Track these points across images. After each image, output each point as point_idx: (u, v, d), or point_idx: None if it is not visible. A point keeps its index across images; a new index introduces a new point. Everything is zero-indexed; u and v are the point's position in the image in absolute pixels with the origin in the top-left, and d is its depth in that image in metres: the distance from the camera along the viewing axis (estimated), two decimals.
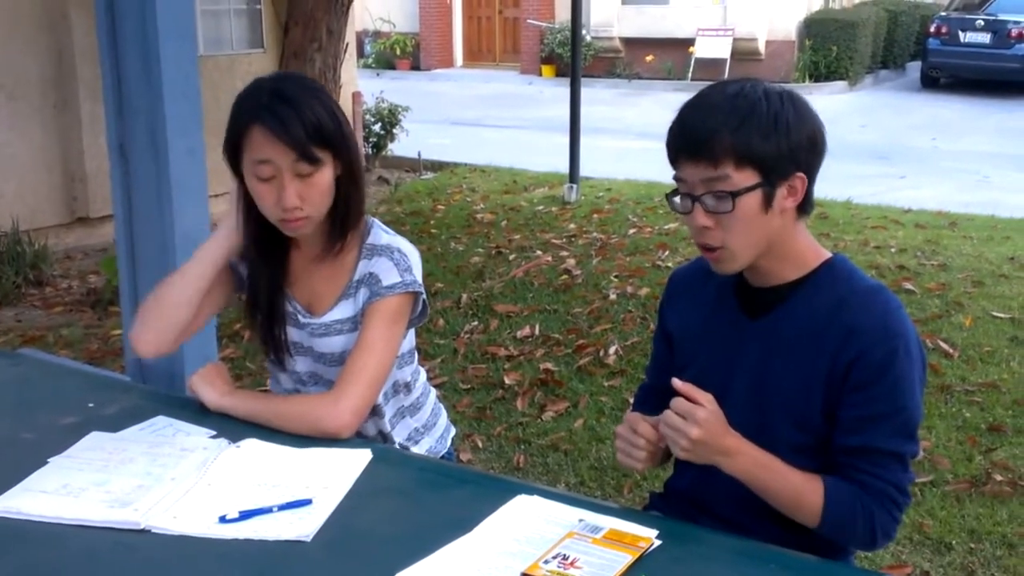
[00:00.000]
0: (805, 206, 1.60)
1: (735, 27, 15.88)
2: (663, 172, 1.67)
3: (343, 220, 1.87)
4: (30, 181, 6.79)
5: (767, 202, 1.54)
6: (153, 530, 1.47)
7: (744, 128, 1.51)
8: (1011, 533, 3.10)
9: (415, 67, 19.01)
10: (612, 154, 9.96)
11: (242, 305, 2.03)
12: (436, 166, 9.74)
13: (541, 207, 7.73)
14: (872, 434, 1.54)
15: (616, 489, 3.42)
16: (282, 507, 1.52)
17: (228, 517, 1.49)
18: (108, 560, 1.42)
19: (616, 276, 5.73)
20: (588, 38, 16.08)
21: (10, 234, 6.11)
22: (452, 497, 1.63)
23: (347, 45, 7.54)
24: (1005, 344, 4.64)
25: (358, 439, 1.82)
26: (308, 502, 1.53)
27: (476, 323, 5.03)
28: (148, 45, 2.77)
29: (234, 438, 1.74)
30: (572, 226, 7.06)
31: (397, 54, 19.00)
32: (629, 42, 16.87)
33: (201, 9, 7.29)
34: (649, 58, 16.61)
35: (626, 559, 1.36)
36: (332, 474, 1.63)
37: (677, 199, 1.60)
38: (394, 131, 9.52)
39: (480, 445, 3.76)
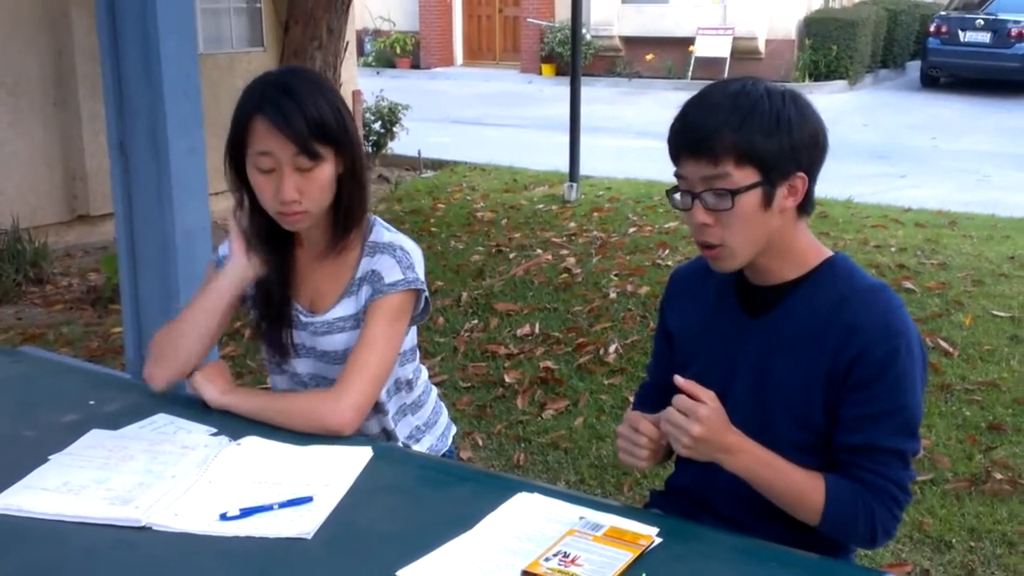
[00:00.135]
0: (806, 206, 1.60)
1: (735, 26, 15.88)
2: (663, 171, 1.68)
3: (346, 217, 1.87)
4: (30, 179, 6.79)
5: (767, 201, 1.54)
6: (154, 527, 1.47)
7: (745, 126, 1.51)
8: (1011, 531, 3.10)
9: (415, 66, 19.00)
10: (612, 153, 9.96)
11: (242, 307, 2.03)
12: (436, 164, 9.74)
13: (541, 206, 7.73)
14: (873, 432, 1.54)
15: (616, 487, 3.42)
16: (283, 504, 1.52)
17: (229, 514, 1.49)
18: (109, 557, 1.42)
19: (616, 275, 5.73)
20: (588, 37, 16.08)
21: (10, 232, 6.11)
22: (453, 495, 1.63)
23: (347, 43, 7.53)
24: (1005, 343, 4.64)
25: (359, 437, 1.82)
26: (309, 500, 1.54)
27: (476, 321, 5.03)
28: (148, 43, 2.77)
29: (235, 436, 1.74)
30: (572, 225, 7.06)
31: (397, 53, 19.00)
32: (629, 41, 16.87)
33: (201, 7, 7.29)
34: (649, 57, 16.60)
35: (627, 557, 1.36)
36: (333, 472, 1.63)
37: (677, 196, 1.60)
38: (394, 129, 9.52)
39: (480, 443, 3.76)
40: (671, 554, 1.40)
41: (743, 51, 15.80)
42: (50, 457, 1.67)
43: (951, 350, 4.52)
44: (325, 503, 1.53)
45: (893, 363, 1.53)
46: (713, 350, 1.70)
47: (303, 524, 1.47)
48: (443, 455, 2.12)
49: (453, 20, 19.46)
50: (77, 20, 6.75)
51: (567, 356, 4.57)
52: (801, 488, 1.56)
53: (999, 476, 3.41)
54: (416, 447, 2.05)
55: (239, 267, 1.90)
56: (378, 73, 17.18)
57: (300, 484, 1.58)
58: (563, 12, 16.44)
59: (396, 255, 1.89)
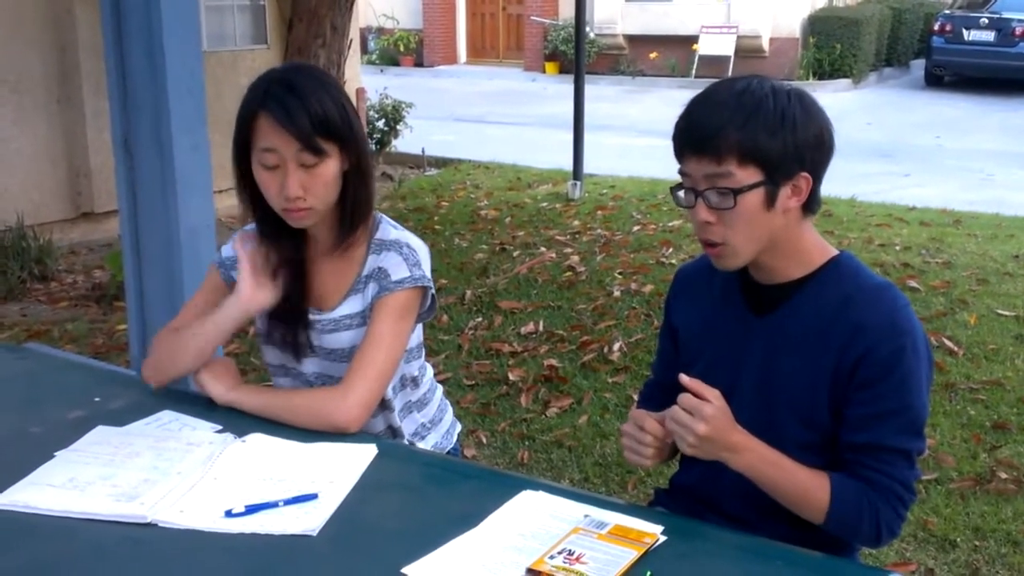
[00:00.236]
0: (811, 205, 1.60)
1: (739, 24, 15.86)
2: (667, 169, 1.67)
3: (352, 214, 1.87)
4: (35, 176, 6.79)
5: (770, 200, 1.54)
6: (159, 524, 1.48)
7: (750, 125, 1.51)
8: (1015, 530, 3.10)
9: (419, 64, 19.01)
10: (616, 151, 9.96)
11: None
12: (440, 162, 9.75)
13: (545, 204, 7.73)
14: (879, 431, 1.54)
15: (620, 485, 3.42)
16: (288, 501, 1.52)
17: (234, 511, 1.49)
18: (115, 553, 1.43)
19: (620, 273, 5.73)
20: (592, 35, 16.08)
21: (15, 229, 6.12)
22: (458, 492, 1.64)
23: (351, 41, 7.53)
24: (1010, 342, 4.64)
25: (364, 434, 1.82)
26: (314, 496, 1.54)
27: (480, 319, 5.03)
28: (153, 40, 2.78)
29: (240, 432, 1.74)
30: (576, 223, 7.06)
31: (401, 51, 19.00)
32: (633, 39, 16.86)
33: (205, 5, 7.29)
34: (653, 55, 16.59)
35: (631, 555, 1.36)
36: (338, 469, 1.63)
37: (681, 193, 1.60)
38: (398, 127, 9.52)
39: (484, 441, 3.76)
40: (675, 552, 1.40)
41: (747, 49, 15.79)
42: (56, 453, 1.67)
43: (956, 349, 4.52)
44: (330, 500, 1.53)
45: (899, 362, 1.53)
46: (718, 348, 1.70)
47: (308, 521, 1.48)
48: (448, 453, 2.12)
49: (457, 18, 19.46)
50: (81, 17, 6.75)
51: (571, 354, 4.57)
52: (806, 487, 1.56)
53: (1004, 475, 3.41)
54: (421, 444, 2.05)
55: (245, 300, 1.85)
56: (382, 71, 17.19)
57: (305, 481, 1.59)
58: (567, 10, 16.43)
59: (403, 252, 1.89)
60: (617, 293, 5.36)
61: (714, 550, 1.46)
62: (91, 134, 6.91)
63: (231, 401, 1.84)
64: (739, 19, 15.89)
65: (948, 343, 4.56)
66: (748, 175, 1.52)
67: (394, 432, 2.00)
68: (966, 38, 14.97)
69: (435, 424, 2.11)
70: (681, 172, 1.59)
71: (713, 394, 1.52)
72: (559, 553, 1.36)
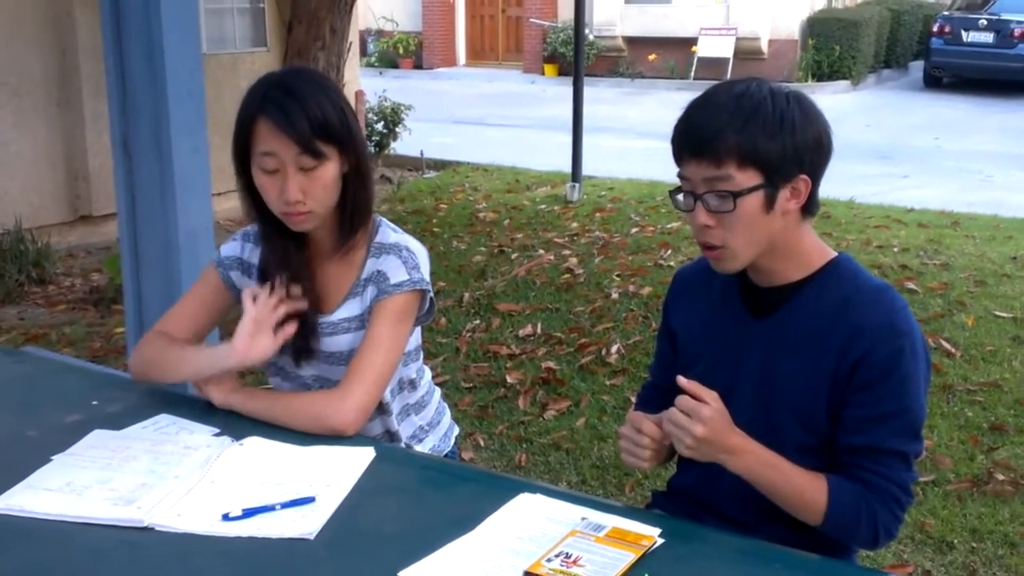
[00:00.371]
0: (810, 207, 1.60)
1: (738, 26, 15.87)
2: (665, 171, 1.68)
3: (352, 217, 1.87)
4: (33, 179, 6.79)
5: (769, 203, 1.54)
6: (156, 528, 1.47)
7: (749, 128, 1.51)
8: (1013, 532, 3.10)
9: (418, 66, 19.01)
10: (614, 153, 9.96)
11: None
12: (439, 165, 9.74)
13: (543, 206, 7.73)
14: (876, 434, 1.54)
15: (618, 488, 3.42)
16: (285, 505, 1.52)
17: (231, 515, 1.49)
18: (112, 558, 1.42)
19: (618, 275, 5.73)
20: (591, 37, 16.09)
21: (13, 232, 6.11)
22: (455, 495, 1.64)
23: (350, 44, 7.54)
24: (1007, 344, 4.64)
25: (362, 437, 1.81)
26: (311, 500, 1.54)
27: (478, 322, 5.03)
28: (152, 43, 2.78)
29: (237, 436, 1.74)
30: (574, 225, 7.06)
31: (400, 53, 19.00)
32: (632, 41, 16.86)
33: (205, 7, 7.29)
34: (652, 57, 16.59)
35: (629, 558, 1.36)
36: (335, 472, 1.63)
37: (680, 196, 1.60)
38: (397, 130, 9.52)
39: (482, 444, 3.76)
40: (673, 555, 1.40)
41: (746, 51, 15.79)
42: (53, 457, 1.67)
43: (953, 351, 4.52)
44: (328, 503, 1.53)
45: (898, 364, 1.53)
46: (717, 351, 1.70)
47: (306, 524, 1.47)
48: (446, 456, 2.12)
49: (456, 20, 19.47)
50: (81, 19, 6.75)
51: (569, 357, 4.57)
52: (803, 489, 1.56)
53: (1001, 477, 3.41)
54: (419, 447, 2.05)
55: (240, 353, 1.80)
56: (381, 73, 17.18)
57: (303, 484, 1.59)
58: (566, 12, 16.45)
59: (402, 255, 1.89)
60: (615, 295, 5.36)
61: (712, 552, 1.46)
62: (90, 137, 6.91)
63: (229, 404, 1.84)
64: (738, 21, 15.90)
65: (946, 345, 4.57)
66: (747, 178, 1.52)
67: (392, 435, 2.00)
68: (965, 40, 14.98)
69: (433, 427, 2.11)
70: (680, 175, 1.59)
71: (711, 396, 1.52)
72: (557, 556, 1.36)
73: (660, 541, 1.42)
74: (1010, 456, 3.58)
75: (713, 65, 15.60)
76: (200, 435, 1.76)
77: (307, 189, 1.78)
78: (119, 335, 4.75)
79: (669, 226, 6.85)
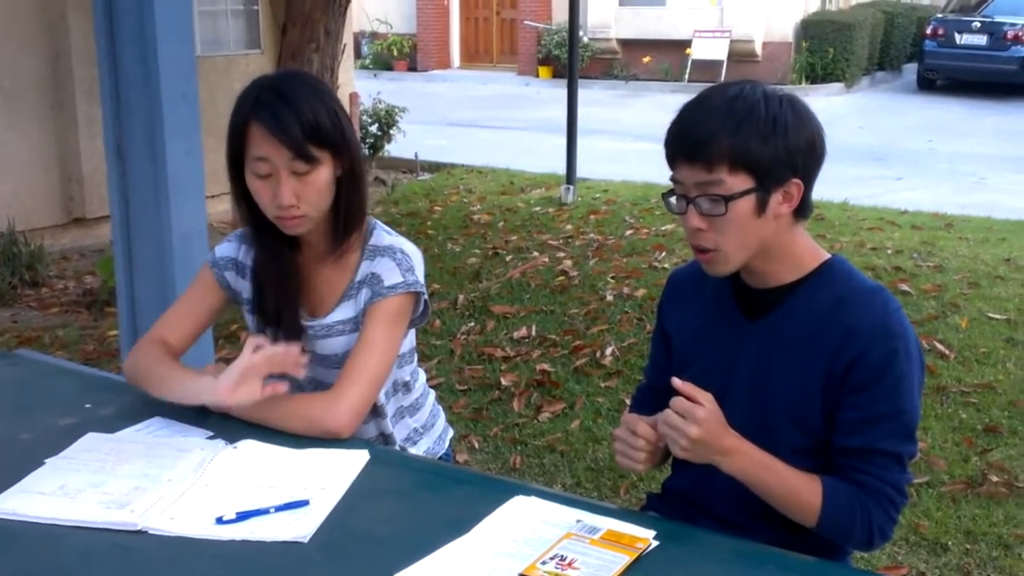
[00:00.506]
0: (803, 210, 1.60)
1: (732, 29, 15.91)
2: (660, 173, 1.68)
3: (346, 220, 1.87)
4: (27, 182, 6.78)
5: (761, 207, 1.54)
6: (150, 531, 1.47)
7: (741, 131, 1.51)
8: (1007, 534, 3.10)
9: (412, 68, 19.01)
10: (609, 155, 9.97)
11: (239, 309, 2.02)
12: (433, 167, 9.75)
13: (538, 208, 7.73)
14: (871, 435, 1.54)
15: (612, 490, 3.42)
16: (279, 508, 1.52)
17: (225, 518, 1.49)
18: (105, 561, 1.42)
19: (613, 277, 5.74)
20: (585, 39, 16.10)
21: (6, 235, 6.10)
22: (449, 498, 1.63)
23: (344, 46, 7.52)
24: (1001, 345, 4.65)
25: (356, 440, 1.81)
26: (305, 503, 1.53)
27: (473, 324, 5.03)
28: (146, 46, 2.78)
29: (231, 439, 1.74)
30: (569, 227, 7.06)
31: (394, 55, 19.00)
32: (626, 43, 16.89)
33: (198, 10, 7.28)
34: (646, 59, 16.62)
35: (624, 560, 1.36)
36: (329, 475, 1.63)
37: (673, 199, 1.60)
38: (391, 132, 9.52)
39: (476, 446, 3.76)
40: (668, 557, 1.40)
41: (740, 54, 15.83)
42: (46, 460, 1.67)
43: (947, 352, 4.53)
44: (321, 506, 1.53)
45: (891, 366, 1.53)
46: (711, 353, 1.70)
47: (299, 528, 1.47)
48: (440, 458, 2.12)
49: (450, 23, 19.47)
50: (74, 23, 6.74)
51: (563, 359, 4.57)
52: (798, 490, 1.56)
53: (995, 479, 3.42)
54: (413, 450, 2.05)
55: (221, 395, 1.74)
56: (375, 76, 17.19)
57: (296, 487, 1.58)
58: (560, 14, 16.48)
59: (396, 257, 1.89)
60: (610, 297, 5.36)
61: (707, 554, 1.46)
62: (83, 140, 6.90)
63: (223, 407, 1.83)
64: (732, 23, 15.93)
65: (940, 346, 4.58)
66: (739, 182, 1.52)
67: (386, 438, 2.00)
68: (958, 42, 15.03)
69: (427, 429, 2.10)
70: (673, 179, 1.59)
71: (706, 397, 1.52)
72: (551, 559, 1.36)
73: (655, 543, 1.42)
74: (1004, 458, 3.59)
75: (707, 67, 15.63)
76: (194, 438, 1.76)
77: (300, 193, 1.78)
78: (112, 338, 4.75)
79: (663, 228, 6.86)
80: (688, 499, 1.74)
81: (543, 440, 3.79)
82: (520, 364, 4.51)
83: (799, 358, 1.59)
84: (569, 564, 1.35)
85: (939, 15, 16.20)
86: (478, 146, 10.82)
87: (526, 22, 17.86)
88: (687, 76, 15.89)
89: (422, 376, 2.12)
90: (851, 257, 5.80)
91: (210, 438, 1.75)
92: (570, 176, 8.04)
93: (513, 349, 4.69)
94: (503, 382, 4.31)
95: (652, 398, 1.78)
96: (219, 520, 1.48)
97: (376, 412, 1.95)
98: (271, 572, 1.40)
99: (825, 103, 13.16)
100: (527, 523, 1.47)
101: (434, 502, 1.61)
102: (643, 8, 16.77)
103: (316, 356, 1.93)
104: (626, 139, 11.20)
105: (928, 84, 15.81)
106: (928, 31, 15.54)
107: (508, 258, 6.22)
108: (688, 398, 1.51)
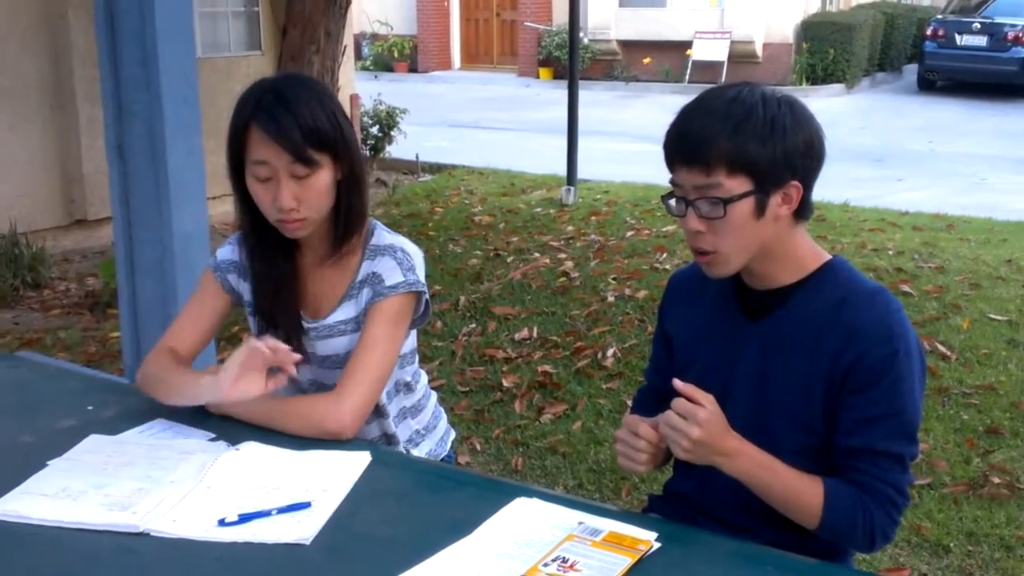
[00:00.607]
0: (803, 211, 1.60)
1: (732, 30, 15.91)
2: (661, 174, 1.68)
3: (346, 223, 1.87)
4: (27, 183, 6.78)
5: (760, 209, 1.54)
6: (152, 533, 1.47)
7: (739, 133, 1.51)
8: (1009, 535, 3.10)
9: (413, 69, 19.02)
10: (610, 156, 9.97)
11: (241, 311, 2.02)
12: (434, 168, 9.75)
13: (539, 209, 7.73)
14: (872, 436, 1.54)
15: (614, 491, 3.42)
16: (281, 510, 1.52)
17: (227, 520, 1.49)
18: (107, 563, 1.42)
19: (614, 278, 5.73)
20: (586, 40, 16.11)
21: (7, 236, 6.10)
22: (451, 500, 1.63)
23: (345, 47, 7.53)
24: (1002, 347, 4.65)
25: (358, 441, 1.81)
26: (307, 505, 1.53)
27: (474, 325, 5.03)
28: (147, 47, 2.78)
29: (234, 441, 1.74)
30: (570, 228, 7.06)
31: (395, 56, 19.01)
32: (626, 45, 16.89)
33: (199, 11, 7.28)
34: (646, 60, 16.62)
35: (626, 562, 1.36)
36: (331, 477, 1.63)
37: (672, 202, 1.60)
38: (392, 133, 9.52)
39: (478, 448, 3.76)
40: (670, 559, 1.40)
41: (740, 55, 15.83)
42: (48, 463, 1.67)
43: (948, 354, 4.52)
44: (324, 508, 1.53)
45: (892, 367, 1.53)
46: (712, 354, 1.70)
47: (302, 530, 1.47)
48: (442, 460, 2.12)
49: (451, 24, 19.48)
50: (75, 23, 6.74)
51: (565, 360, 4.57)
52: (800, 492, 1.56)
53: (997, 480, 3.42)
54: (415, 451, 2.05)
55: (223, 393, 1.74)
56: (376, 77, 17.20)
57: (299, 489, 1.58)
58: (560, 16, 16.48)
59: (397, 257, 1.89)
60: (611, 299, 5.36)
61: (708, 556, 1.46)
62: (84, 141, 6.90)
63: (225, 409, 1.83)
64: (732, 24, 15.93)
65: (941, 348, 4.57)
66: (738, 184, 1.52)
67: (389, 438, 2.00)
68: (959, 43, 15.04)
69: (429, 431, 2.10)
70: (672, 181, 1.60)
71: (707, 399, 1.52)
72: (553, 561, 1.36)
73: (656, 545, 1.42)
74: (1006, 459, 3.59)
75: (707, 68, 15.63)
76: (196, 440, 1.76)
77: (301, 197, 1.78)
78: (114, 339, 4.75)
79: (665, 229, 6.85)
80: (690, 501, 1.74)
81: (545, 442, 3.79)
82: (521, 365, 4.51)
83: (800, 359, 1.59)
84: (571, 566, 1.35)
85: (939, 16, 16.20)
86: (479, 147, 10.82)
87: (526, 23, 17.86)
88: (687, 77, 15.89)
89: (424, 377, 2.12)
90: (852, 258, 5.80)
91: (212, 440, 1.76)
92: (571, 177, 8.04)
93: (514, 350, 4.69)
94: (505, 383, 4.31)
95: (653, 400, 1.78)
96: (221, 522, 1.49)
97: (379, 412, 1.95)
98: (273, 574, 1.40)
99: (825, 104, 13.17)
100: (529, 525, 1.47)
101: (436, 504, 1.61)
102: (643, 9, 16.77)
103: (318, 357, 1.93)
104: (627, 140, 11.20)
105: (928, 85, 15.82)
106: (928, 32, 15.55)
107: (509, 259, 6.22)
108: (689, 399, 1.51)
